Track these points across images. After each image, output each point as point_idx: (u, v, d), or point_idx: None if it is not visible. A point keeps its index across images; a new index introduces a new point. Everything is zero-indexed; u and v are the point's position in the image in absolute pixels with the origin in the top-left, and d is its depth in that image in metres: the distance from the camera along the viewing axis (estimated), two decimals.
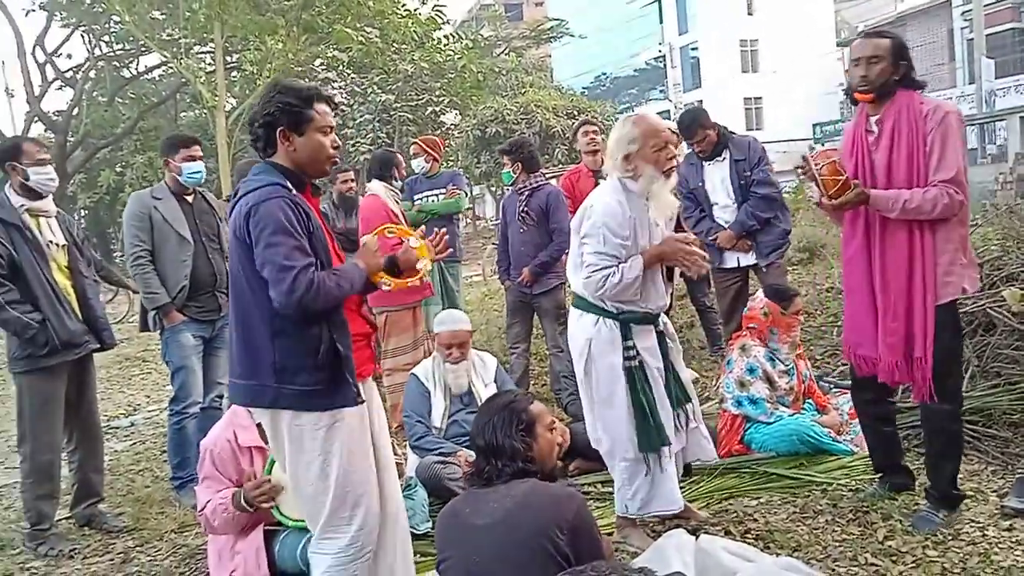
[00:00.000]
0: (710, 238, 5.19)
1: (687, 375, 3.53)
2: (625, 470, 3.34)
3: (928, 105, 3.09)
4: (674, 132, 3.39)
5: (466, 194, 6.55)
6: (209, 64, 20.80)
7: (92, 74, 24.41)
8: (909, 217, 3.06)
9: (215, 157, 18.43)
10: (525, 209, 5.28)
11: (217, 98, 18.52)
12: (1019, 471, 3.58)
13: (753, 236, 5.16)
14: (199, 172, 4.48)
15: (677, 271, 3.46)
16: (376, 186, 5.57)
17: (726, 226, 5.22)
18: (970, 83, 22.80)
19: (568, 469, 4.33)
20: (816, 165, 3.10)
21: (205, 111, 21.96)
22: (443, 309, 6.03)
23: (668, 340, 3.42)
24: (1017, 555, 2.92)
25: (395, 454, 3.60)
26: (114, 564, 3.78)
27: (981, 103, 20.37)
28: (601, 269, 3.18)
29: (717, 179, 5.23)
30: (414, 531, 3.03)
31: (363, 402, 2.64)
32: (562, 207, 5.27)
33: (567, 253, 3.90)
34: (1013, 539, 3.05)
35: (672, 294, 3.46)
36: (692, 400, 3.48)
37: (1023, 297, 4.62)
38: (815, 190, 3.16)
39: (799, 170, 3.31)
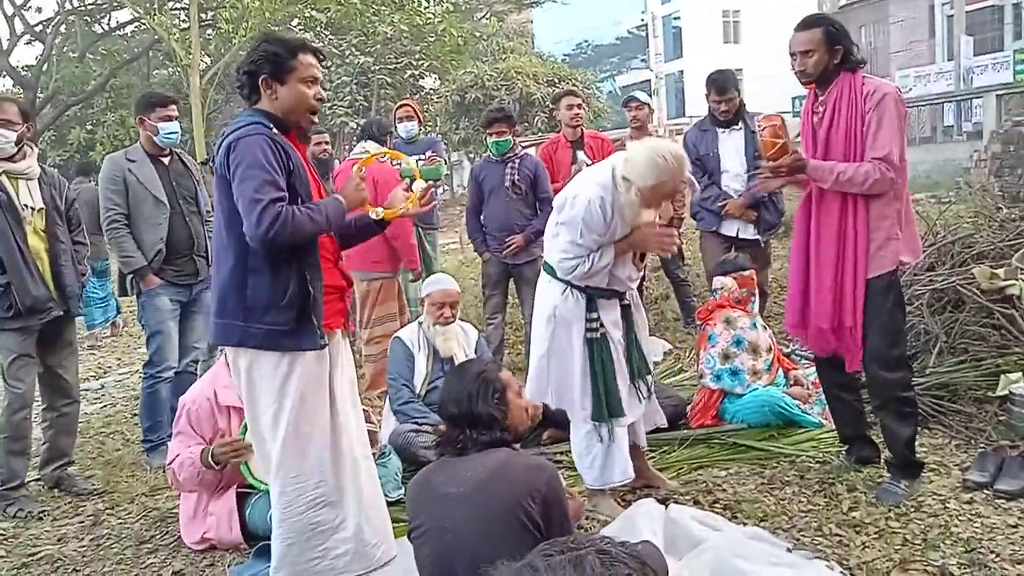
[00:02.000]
0: (717, 204, 5.25)
1: (655, 346, 3.58)
2: (581, 440, 3.41)
3: (869, 86, 3.20)
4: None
5: (445, 161, 6.51)
6: (183, 21, 20.30)
7: (63, 28, 23.77)
8: (842, 189, 3.19)
9: (189, 117, 18.11)
10: (519, 178, 5.24)
11: (191, 56, 18.12)
12: (982, 446, 3.66)
13: (757, 209, 5.21)
14: (175, 132, 4.42)
15: (648, 257, 3.50)
16: (374, 147, 5.54)
17: (734, 195, 5.25)
18: (949, 60, 22.89)
19: (541, 439, 4.37)
20: (759, 128, 3.24)
21: (179, 69, 21.49)
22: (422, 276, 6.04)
23: (634, 312, 3.47)
24: (976, 527, 3.00)
25: (370, 422, 3.63)
26: (84, 526, 3.77)
27: (959, 80, 20.48)
28: (573, 258, 3.24)
29: (732, 147, 5.26)
30: (388, 497, 3.04)
31: (325, 346, 2.65)
32: (547, 176, 5.30)
33: None
34: (973, 511, 3.12)
35: (646, 267, 3.48)
36: (651, 372, 3.57)
37: (992, 275, 4.69)
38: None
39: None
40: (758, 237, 5.23)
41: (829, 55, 3.22)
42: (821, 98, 3.30)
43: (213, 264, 2.71)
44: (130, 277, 4.41)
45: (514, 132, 5.36)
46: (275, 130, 2.59)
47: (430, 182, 3.02)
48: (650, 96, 7.73)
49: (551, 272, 3.40)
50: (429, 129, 24.12)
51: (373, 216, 2.85)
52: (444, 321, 4.18)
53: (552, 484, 2.32)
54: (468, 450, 2.39)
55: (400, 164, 2.89)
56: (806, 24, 3.29)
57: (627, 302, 3.43)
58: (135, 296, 4.48)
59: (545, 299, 3.42)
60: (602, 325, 3.31)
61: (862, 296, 3.22)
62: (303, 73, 2.63)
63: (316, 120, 2.77)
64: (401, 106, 6.40)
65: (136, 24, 24.29)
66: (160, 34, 18.60)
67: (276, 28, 18.81)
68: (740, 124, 5.25)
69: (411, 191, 2.91)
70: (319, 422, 2.67)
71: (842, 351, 3.37)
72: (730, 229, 5.30)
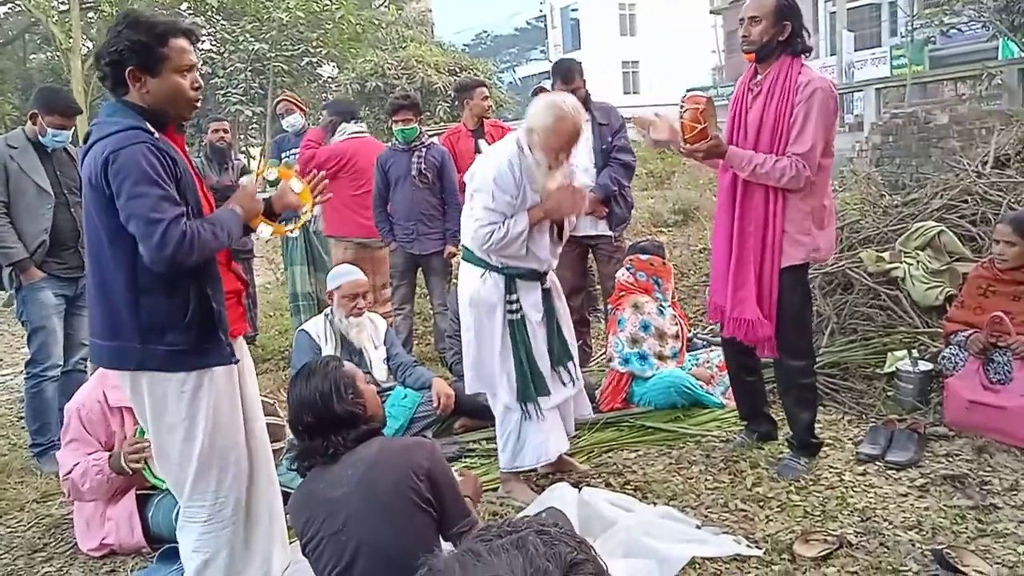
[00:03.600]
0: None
1: (571, 336, 3.59)
2: (503, 423, 3.41)
3: (804, 77, 3.15)
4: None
5: None
6: (62, 3, 19.24)
7: None
8: (758, 180, 3.20)
9: (81, 112, 17.16)
10: (426, 166, 5.18)
11: (72, 40, 17.21)
12: (872, 420, 3.86)
13: (608, 204, 4.95)
14: (63, 140, 4.21)
15: (567, 229, 3.48)
16: (353, 127, 5.48)
17: (586, 191, 5.03)
18: (831, 55, 23.95)
19: (454, 427, 4.36)
20: (680, 108, 3.18)
21: (58, 53, 20.37)
22: (308, 270, 5.91)
23: (555, 298, 3.47)
24: (870, 497, 3.16)
25: (276, 415, 3.53)
26: None
27: (841, 74, 21.47)
28: (488, 224, 3.21)
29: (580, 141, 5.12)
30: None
31: (237, 361, 2.53)
32: (453, 166, 5.25)
33: None
34: (867, 483, 3.29)
35: (559, 253, 3.49)
36: (573, 359, 3.55)
37: (879, 259, 4.95)
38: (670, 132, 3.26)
39: (639, 129, 3.42)
40: (611, 233, 4.95)
41: (776, 29, 3.15)
42: (758, 77, 3.26)
43: (90, 281, 2.45)
44: (9, 270, 4.14)
45: (420, 120, 5.31)
46: (154, 132, 2.35)
47: (314, 205, 2.85)
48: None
49: (468, 258, 3.39)
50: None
51: (263, 235, 2.68)
52: (357, 313, 4.10)
53: (435, 458, 2.27)
54: (339, 454, 2.29)
55: (291, 183, 2.69)
56: None
57: (547, 286, 3.42)
58: (15, 291, 4.21)
59: (465, 284, 3.41)
60: (521, 307, 3.32)
61: (776, 287, 3.26)
62: (177, 62, 2.36)
63: (197, 107, 2.51)
64: (279, 101, 6.20)
65: (9, 6, 22.85)
66: (37, 16, 17.56)
67: (164, 13, 18.05)
68: (587, 116, 4.84)
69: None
70: (234, 435, 2.55)
71: (757, 339, 3.37)
72: (580, 230, 4.89)
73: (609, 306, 4.80)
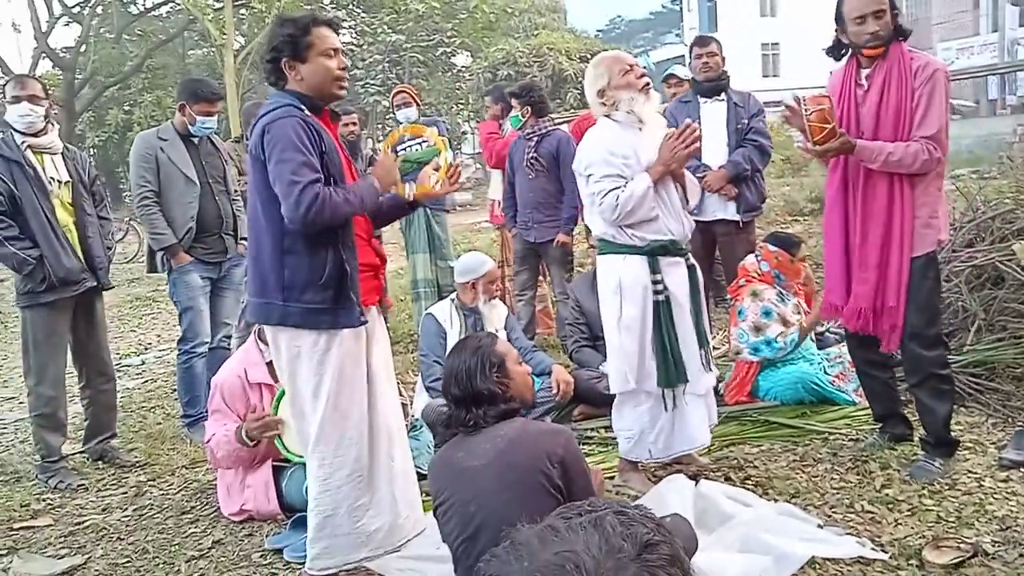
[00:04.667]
0: (697, 175, 5.03)
1: (707, 321, 3.52)
2: (647, 411, 3.34)
3: (919, 61, 3.11)
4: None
5: (450, 141, 6.49)
6: (217, 1, 20.48)
7: (99, 10, 24.09)
8: (890, 169, 3.11)
9: (223, 97, 18.27)
10: (535, 155, 5.22)
11: (225, 36, 18.27)
12: (1019, 424, 3.61)
13: (738, 186, 4.86)
14: (210, 128, 4.53)
15: (692, 195, 3.41)
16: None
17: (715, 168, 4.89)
18: (993, 31, 22.27)
19: (572, 415, 4.39)
20: (806, 111, 3.09)
21: (213, 49, 21.71)
22: (430, 258, 6.05)
23: (698, 276, 3.39)
24: (1011, 505, 2.97)
25: (400, 395, 3.67)
26: (127, 497, 3.88)
27: (1003, 52, 19.96)
28: (610, 191, 3.20)
29: (714, 119, 4.93)
30: (420, 470, 3.09)
31: (366, 323, 2.71)
32: (572, 152, 5.22)
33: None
34: (1009, 490, 3.09)
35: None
36: (708, 344, 3.44)
37: None
38: (802, 135, 3.17)
39: (784, 115, 3.30)
40: (738, 218, 4.85)
41: (893, 19, 3.11)
42: (865, 71, 3.18)
43: (249, 244, 2.76)
44: (161, 254, 4.48)
45: (529, 108, 5.26)
46: (307, 111, 2.62)
47: (458, 160, 3.02)
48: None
49: (605, 250, 3.36)
50: (462, 107, 24.14)
51: (406, 196, 2.87)
52: (496, 295, 4.27)
53: (569, 447, 2.32)
54: (480, 427, 2.38)
55: (423, 141, 2.89)
56: None
57: (692, 263, 3.36)
58: (166, 273, 4.56)
59: (607, 274, 3.35)
60: (666, 288, 3.26)
61: (907, 275, 3.16)
62: (321, 46, 2.65)
63: (346, 91, 2.78)
64: (398, 92, 6.32)
65: (171, 5, 24.55)
66: (194, 14, 18.77)
67: (309, 7, 18.90)
68: (724, 96, 4.94)
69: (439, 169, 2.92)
70: (357, 397, 2.72)
71: (880, 331, 3.28)
72: (708, 213, 4.86)
73: (728, 297, 4.67)
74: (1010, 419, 3.71)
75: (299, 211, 2.47)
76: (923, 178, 3.12)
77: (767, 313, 4.26)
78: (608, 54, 3.46)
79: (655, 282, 3.25)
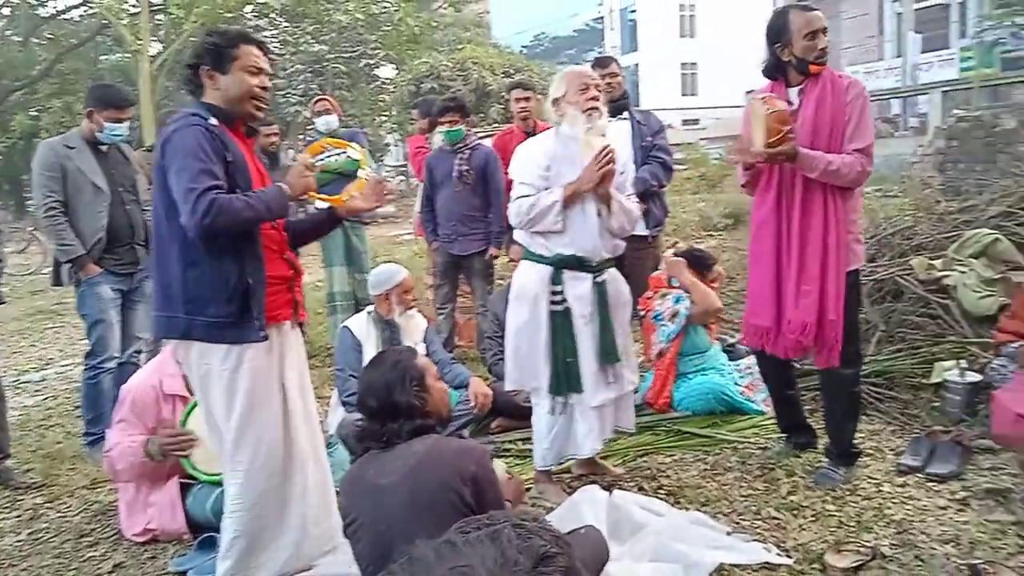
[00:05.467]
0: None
1: (625, 339, 3.54)
2: (540, 419, 3.41)
3: (846, 79, 3.22)
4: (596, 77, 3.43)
5: (372, 153, 6.47)
6: (133, 5, 19.88)
7: (6, 11, 23.10)
8: (828, 179, 3.12)
9: (137, 104, 17.74)
10: (467, 168, 5.21)
11: (141, 42, 17.76)
12: (915, 431, 3.76)
13: (646, 202, 4.78)
14: (121, 135, 4.35)
15: (616, 219, 3.40)
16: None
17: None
18: (897, 56, 23.36)
19: (490, 427, 4.39)
20: (766, 109, 3.04)
21: (127, 55, 21.05)
22: (347, 270, 5.98)
23: (609, 292, 3.40)
24: (907, 509, 3.09)
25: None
26: (22, 520, 3.69)
27: (905, 76, 20.93)
28: (520, 197, 3.31)
29: (619, 138, 4.75)
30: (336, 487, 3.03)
31: (266, 338, 2.64)
32: (499, 167, 5.23)
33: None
34: (906, 495, 3.21)
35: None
36: (623, 363, 3.45)
37: (930, 266, 4.83)
38: (754, 135, 3.12)
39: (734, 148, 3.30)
40: (647, 233, 4.82)
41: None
42: (794, 89, 3.24)
43: (153, 256, 2.69)
44: (68, 267, 4.31)
45: (468, 123, 5.33)
46: (213, 121, 2.56)
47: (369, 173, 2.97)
48: None
49: (525, 255, 3.44)
50: (384, 119, 23.97)
51: (315, 207, 2.83)
52: (411, 306, 4.17)
53: (482, 464, 2.30)
54: (393, 443, 2.34)
55: (343, 153, 2.86)
56: (810, 6, 3.21)
57: (601, 280, 3.37)
58: (74, 286, 4.38)
59: (515, 279, 3.48)
60: (565, 299, 3.30)
61: (843, 289, 3.17)
62: (246, 61, 2.60)
63: (262, 113, 2.73)
64: (319, 100, 6.24)
65: (83, 8, 23.69)
66: (108, 18, 18.17)
67: (228, 15, 18.53)
68: (626, 114, 4.96)
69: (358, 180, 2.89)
70: (270, 414, 2.67)
71: (822, 344, 3.22)
72: None
73: (640, 310, 4.69)
74: (908, 426, 3.86)
75: (195, 217, 2.41)
76: (851, 193, 3.19)
77: (678, 300, 4.40)
78: (576, 68, 3.54)
79: (554, 292, 3.31)
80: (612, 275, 3.47)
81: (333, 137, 5.90)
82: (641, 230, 4.82)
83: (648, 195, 4.75)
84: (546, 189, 3.28)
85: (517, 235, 3.46)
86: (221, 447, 2.69)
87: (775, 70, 3.28)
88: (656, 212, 4.87)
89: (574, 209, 3.28)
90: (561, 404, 3.34)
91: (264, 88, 2.66)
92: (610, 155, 3.25)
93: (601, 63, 4.93)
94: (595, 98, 3.34)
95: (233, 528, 2.67)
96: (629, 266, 5.12)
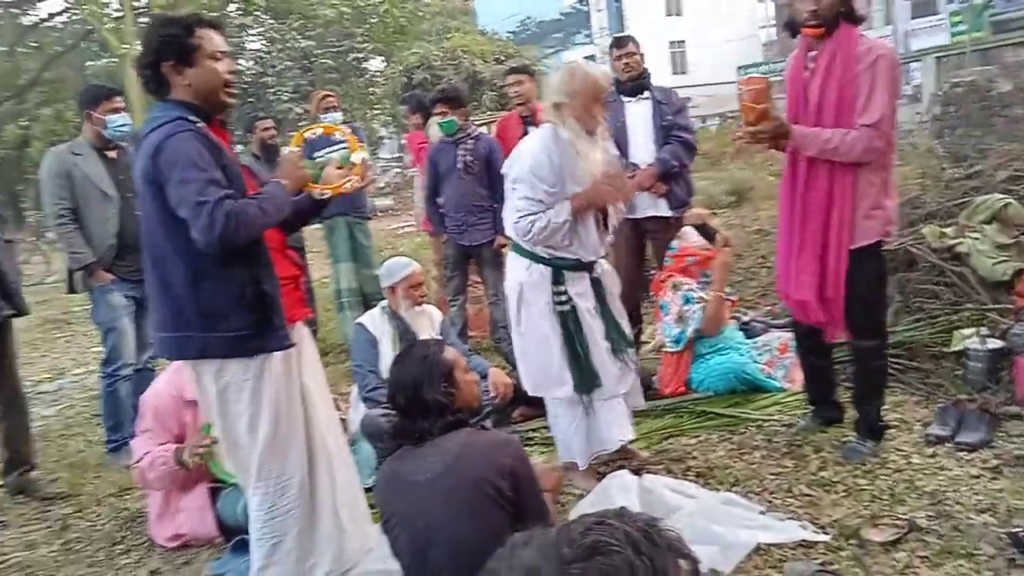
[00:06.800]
0: (627, 174, 4.99)
1: (626, 323, 3.56)
2: (564, 415, 3.39)
3: (864, 46, 3.04)
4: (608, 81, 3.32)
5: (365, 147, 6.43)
6: (116, 9, 19.71)
7: None
8: (827, 157, 3.06)
9: (127, 108, 17.60)
10: (472, 158, 5.19)
11: (126, 46, 17.63)
12: (940, 401, 3.76)
13: (668, 182, 4.78)
14: (126, 124, 4.31)
15: (613, 220, 3.45)
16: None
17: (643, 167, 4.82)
18: (887, 24, 23.30)
19: (512, 416, 4.38)
20: (739, 90, 3.07)
21: (114, 60, 20.91)
22: (354, 267, 5.97)
23: (605, 285, 3.43)
24: (940, 480, 3.09)
25: (337, 409, 3.60)
26: (53, 531, 3.69)
27: (897, 44, 20.90)
28: (528, 215, 3.19)
29: (639, 117, 4.86)
30: (363, 484, 3.03)
31: (292, 344, 2.58)
32: (501, 155, 5.21)
33: None
34: (936, 465, 3.21)
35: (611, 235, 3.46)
36: (632, 346, 3.52)
37: (942, 234, 4.82)
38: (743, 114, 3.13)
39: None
40: (670, 214, 4.76)
41: (840, 1, 3.03)
42: (813, 53, 3.11)
43: (150, 277, 2.53)
44: (80, 274, 4.28)
45: (462, 113, 5.29)
46: (199, 123, 2.42)
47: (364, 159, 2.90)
48: None
49: (516, 249, 3.38)
50: (377, 112, 23.89)
51: (316, 196, 2.74)
52: (421, 300, 4.15)
53: (517, 456, 2.29)
54: (426, 439, 2.32)
55: (339, 145, 2.79)
56: None
57: (597, 275, 3.39)
58: (87, 293, 4.36)
59: (511, 277, 3.41)
60: (570, 298, 3.29)
61: (845, 266, 3.15)
62: (209, 48, 2.44)
63: (235, 99, 2.60)
64: (324, 96, 6.20)
65: (67, 15, 23.52)
66: (92, 24, 18.04)
67: (213, 15, 18.40)
68: (647, 94, 4.87)
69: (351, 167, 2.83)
70: (295, 420, 2.63)
71: (820, 321, 3.29)
72: (639, 210, 4.76)
73: (651, 294, 4.68)
74: (931, 396, 3.85)
75: (214, 233, 2.27)
76: (864, 167, 3.06)
77: (688, 300, 4.35)
78: (591, 75, 3.23)
79: (558, 293, 3.28)
80: (603, 267, 3.48)
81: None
82: (664, 211, 4.80)
83: (670, 175, 4.72)
84: (552, 206, 3.19)
85: (509, 232, 3.40)
86: (243, 462, 2.62)
87: (794, 27, 3.18)
88: (679, 192, 4.79)
89: (577, 220, 3.25)
90: (588, 401, 3.32)
91: (232, 72, 2.53)
92: (626, 183, 3.29)
93: (619, 43, 4.88)
94: (601, 115, 3.27)
95: (271, 535, 2.63)
96: (653, 247, 5.12)
